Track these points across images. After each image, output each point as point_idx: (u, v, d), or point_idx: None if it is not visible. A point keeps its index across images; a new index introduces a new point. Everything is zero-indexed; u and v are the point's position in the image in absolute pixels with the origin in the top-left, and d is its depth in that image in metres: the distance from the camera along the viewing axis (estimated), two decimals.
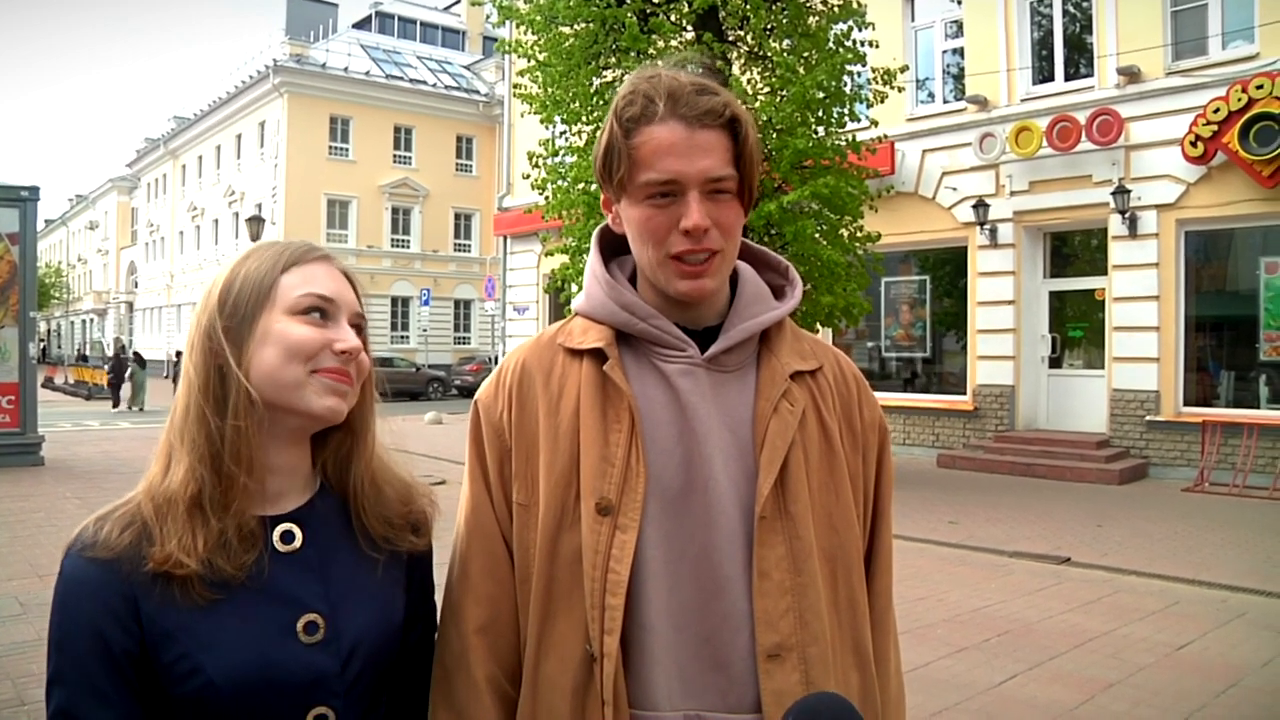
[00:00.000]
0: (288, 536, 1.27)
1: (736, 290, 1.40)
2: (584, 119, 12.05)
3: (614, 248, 1.46)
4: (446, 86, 39.72)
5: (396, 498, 1.37)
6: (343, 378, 1.26)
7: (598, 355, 1.34)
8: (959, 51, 15.44)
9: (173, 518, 1.19)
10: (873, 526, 1.43)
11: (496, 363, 1.49)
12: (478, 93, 39.95)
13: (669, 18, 11.99)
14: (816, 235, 11.62)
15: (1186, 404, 12.92)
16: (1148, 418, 12.98)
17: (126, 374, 26.85)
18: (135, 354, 29.46)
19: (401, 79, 38.53)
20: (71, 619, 1.18)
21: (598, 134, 1.37)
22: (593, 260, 1.43)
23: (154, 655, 1.17)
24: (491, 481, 1.36)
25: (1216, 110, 11.99)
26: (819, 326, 12.44)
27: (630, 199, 1.31)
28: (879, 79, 12.39)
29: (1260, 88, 11.61)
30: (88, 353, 52.90)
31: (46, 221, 73.14)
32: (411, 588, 1.38)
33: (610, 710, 1.23)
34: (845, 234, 12.19)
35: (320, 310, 1.27)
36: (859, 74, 12.68)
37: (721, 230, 1.29)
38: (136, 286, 55.41)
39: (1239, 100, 11.76)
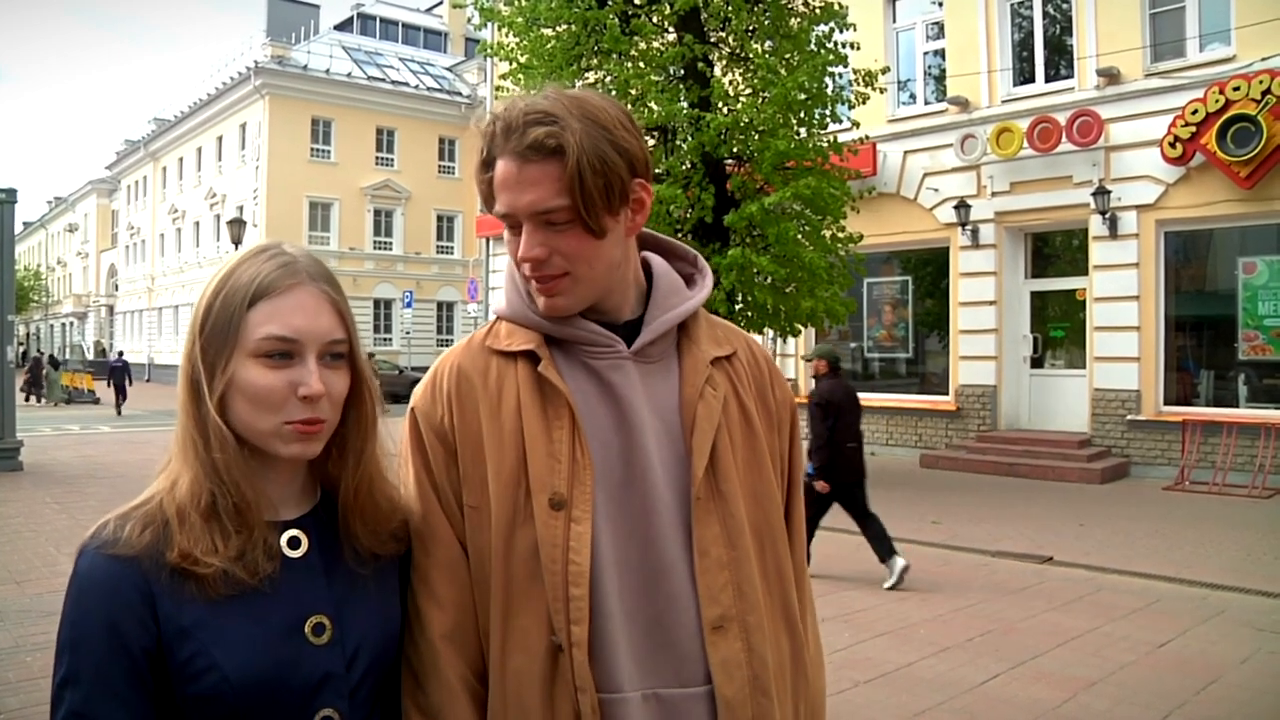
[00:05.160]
0: (294, 542, 1.29)
1: (652, 283, 1.44)
2: None
3: None
4: (429, 88, 39.59)
5: (388, 509, 1.36)
6: (310, 428, 1.25)
7: (530, 357, 1.38)
8: (940, 53, 15.51)
9: (191, 524, 1.20)
10: (788, 498, 1.51)
11: None
12: (460, 94, 39.82)
13: (650, 19, 12.00)
14: (799, 237, 11.65)
15: (1167, 403, 13.00)
16: (1129, 417, 13.06)
17: (43, 374, 31.07)
18: (50, 356, 35.16)
19: (383, 81, 38.37)
20: (89, 617, 1.17)
21: None
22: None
23: (169, 653, 1.17)
24: (440, 487, 1.38)
25: (1195, 112, 12.08)
26: (799, 326, 12.48)
27: (501, 229, 1.39)
28: (860, 80, 12.43)
29: (1237, 89, 11.71)
30: (67, 356, 52.48)
31: (25, 224, 72.46)
32: (405, 593, 1.39)
33: (584, 696, 1.27)
34: (827, 235, 12.22)
35: (284, 351, 1.24)
36: (840, 75, 12.70)
37: (565, 256, 1.32)
38: (117, 289, 54.95)
39: (1217, 102, 11.86)
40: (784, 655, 1.39)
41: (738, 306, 11.89)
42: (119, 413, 25.65)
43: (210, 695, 1.17)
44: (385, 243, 38.22)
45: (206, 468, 1.22)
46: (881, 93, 13.02)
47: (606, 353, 1.38)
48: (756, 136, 11.61)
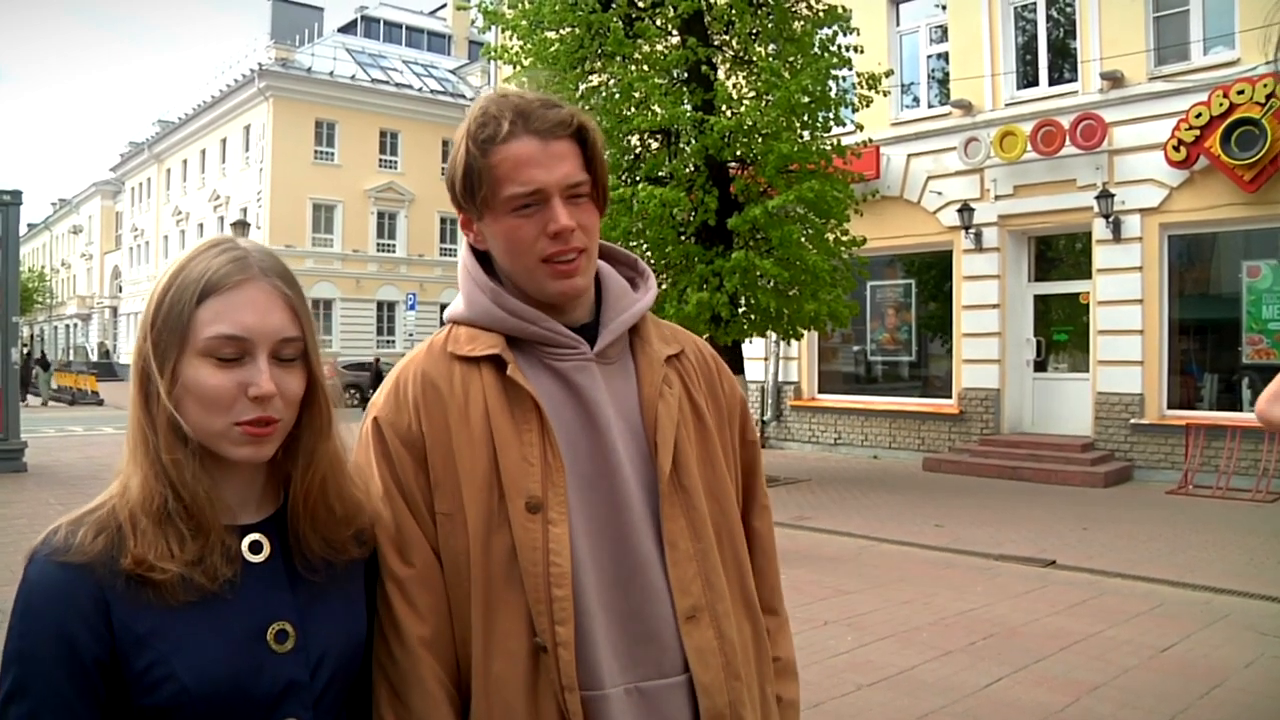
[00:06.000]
0: (256, 547, 1.25)
1: (602, 287, 1.49)
2: None
3: (484, 256, 1.50)
4: (432, 90, 39.66)
5: (343, 513, 1.32)
6: (261, 429, 1.21)
7: (494, 361, 1.39)
8: (944, 56, 15.50)
9: (144, 529, 1.16)
10: (748, 486, 1.58)
11: None
12: (464, 96, 39.85)
13: (654, 22, 12.02)
14: (802, 240, 11.66)
15: (1170, 407, 12.98)
16: (1132, 421, 13.04)
17: (32, 374, 32.23)
18: (41, 357, 36.05)
19: (387, 83, 38.44)
20: (39, 626, 1.13)
21: (452, 158, 1.43)
22: (473, 269, 1.47)
23: (124, 663, 1.13)
24: (409, 495, 1.37)
25: (1199, 115, 12.07)
26: (802, 330, 12.48)
27: (495, 214, 1.39)
28: (864, 83, 12.43)
29: (1241, 93, 11.70)
30: (70, 358, 52.56)
31: (29, 225, 72.51)
32: (371, 600, 1.36)
33: (570, 695, 1.29)
34: (830, 238, 12.22)
35: (233, 350, 1.20)
36: (844, 78, 12.71)
37: (584, 230, 1.38)
38: (120, 291, 55.05)
39: (1221, 105, 11.85)
40: (747, 640, 1.45)
41: (741, 310, 11.89)
42: None
43: (168, 706, 1.13)
44: (388, 245, 38.28)
45: (157, 470, 1.18)
46: (885, 96, 13.02)
47: (571, 354, 1.41)
48: (760, 139, 11.61)
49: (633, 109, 11.65)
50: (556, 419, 1.37)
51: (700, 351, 1.56)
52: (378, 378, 27.70)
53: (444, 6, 48.16)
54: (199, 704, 1.14)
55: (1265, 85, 11.52)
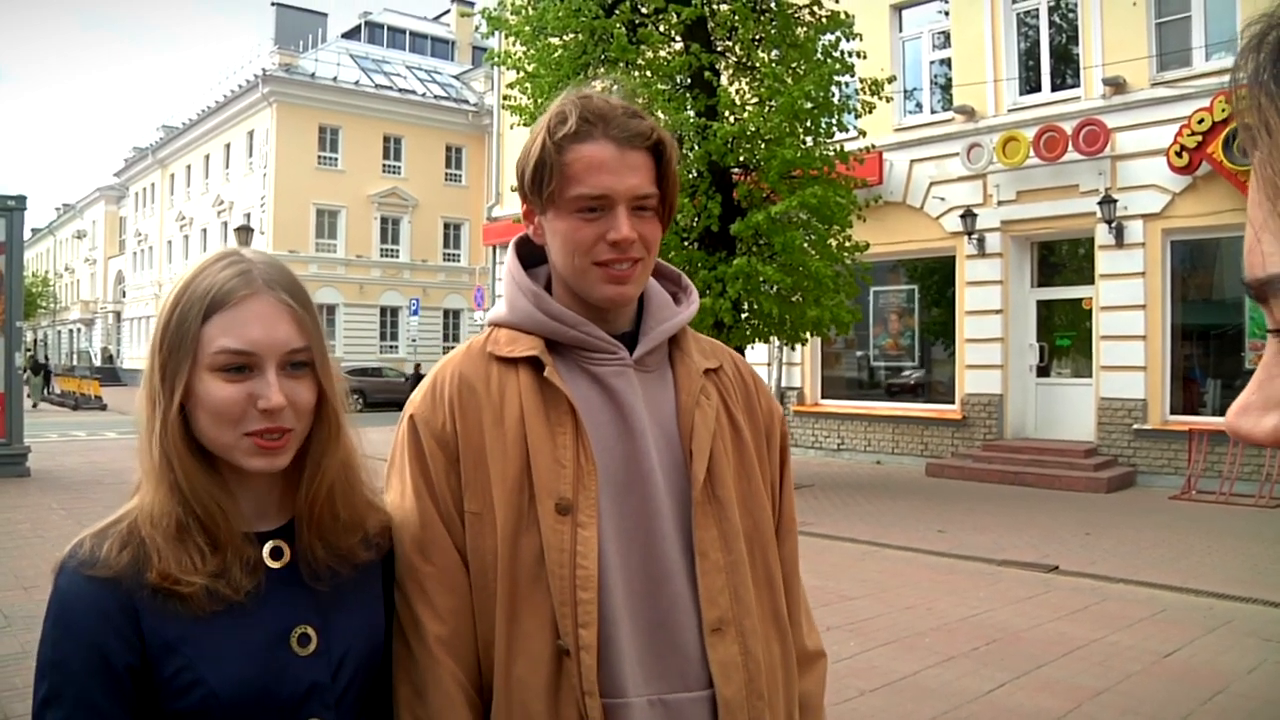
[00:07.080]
0: (276, 553, 1.28)
1: (644, 297, 1.50)
2: None
3: (527, 259, 1.52)
4: (436, 96, 39.72)
5: (351, 519, 1.33)
6: (271, 441, 1.23)
7: (533, 363, 1.40)
8: (946, 62, 15.53)
9: (166, 545, 1.19)
10: (780, 503, 1.57)
11: None
12: (467, 102, 39.95)
13: (657, 28, 12.05)
14: (805, 245, 11.67)
15: (1173, 412, 12.97)
16: (1135, 426, 13.04)
17: (24, 378, 30.68)
18: (34, 359, 35.86)
19: (391, 89, 38.50)
20: (71, 635, 1.16)
21: (526, 147, 1.42)
22: (516, 273, 1.49)
23: (154, 669, 1.16)
24: (438, 494, 1.38)
25: (1201, 121, 12.08)
26: (805, 335, 12.48)
27: (559, 211, 1.39)
28: (867, 89, 12.46)
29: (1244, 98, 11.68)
30: (75, 363, 52.64)
31: (33, 231, 72.63)
32: (390, 600, 1.37)
33: (591, 700, 1.28)
34: (833, 244, 12.24)
35: (241, 364, 1.22)
36: (847, 84, 12.73)
37: (644, 243, 1.39)
38: (124, 296, 55.13)
39: (1223, 111, 11.85)
40: (775, 659, 1.42)
41: (744, 315, 11.90)
42: None
43: (197, 710, 1.16)
44: (392, 250, 38.31)
45: (171, 486, 1.20)
46: (888, 102, 13.06)
47: (610, 359, 1.41)
48: (763, 145, 11.64)
49: None
50: (591, 422, 1.37)
51: (738, 368, 1.56)
52: (417, 383, 27.79)
53: (447, 12, 48.29)
54: (227, 708, 1.17)
55: None
